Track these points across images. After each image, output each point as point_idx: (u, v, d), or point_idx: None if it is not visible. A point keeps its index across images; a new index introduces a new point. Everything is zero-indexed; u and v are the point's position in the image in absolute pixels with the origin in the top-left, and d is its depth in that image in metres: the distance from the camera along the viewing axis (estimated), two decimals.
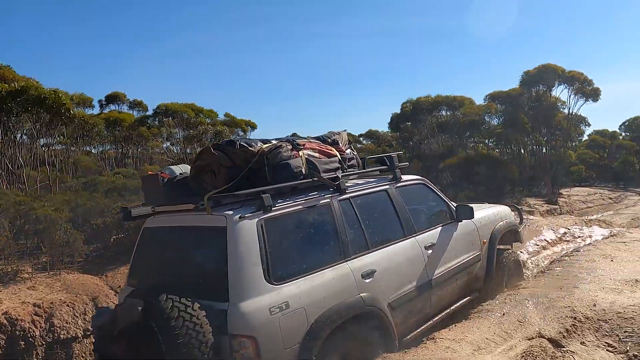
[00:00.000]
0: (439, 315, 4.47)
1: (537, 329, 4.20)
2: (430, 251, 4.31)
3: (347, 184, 3.97)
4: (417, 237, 4.24)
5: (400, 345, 3.87)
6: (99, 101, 30.03)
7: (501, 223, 5.46)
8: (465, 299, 4.88)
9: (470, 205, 4.86)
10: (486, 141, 23.56)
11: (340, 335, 3.27)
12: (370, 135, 38.25)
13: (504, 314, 4.53)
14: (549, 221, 11.97)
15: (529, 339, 4.04)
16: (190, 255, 3.43)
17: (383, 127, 38.50)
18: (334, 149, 3.95)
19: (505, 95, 20.08)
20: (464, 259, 4.76)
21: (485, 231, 5.16)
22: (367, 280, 3.60)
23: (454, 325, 4.34)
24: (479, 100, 22.10)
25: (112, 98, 30.54)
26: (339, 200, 3.71)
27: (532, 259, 8.42)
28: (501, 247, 5.50)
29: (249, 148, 3.38)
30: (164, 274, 3.50)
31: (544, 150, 20.94)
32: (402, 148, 26.00)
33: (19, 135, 12.77)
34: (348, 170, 4.05)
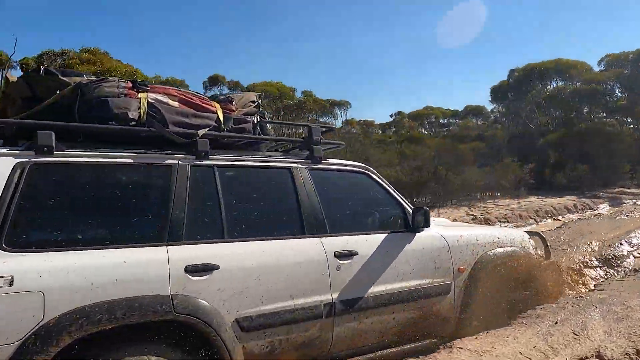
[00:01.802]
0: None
1: (595, 346, 3.24)
2: (346, 262, 3.02)
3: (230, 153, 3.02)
4: (324, 238, 3.03)
5: None
6: (203, 83, 32.51)
7: (499, 250, 3.74)
8: (411, 345, 3.32)
9: (426, 208, 3.47)
10: (604, 114, 20.46)
11: (117, 352, 2.26)
12: (473, 111, 35.78)
13: (556, 323, 3.60)
14: None
15: (580, 359, 3.14)
16: None
17: (483, 102, 35.90)
18: (215, 105, 3.02)
19: (631, 57, 17.04)
20: (415, 286, 3.28)
21: (466, 254, 3.57)
22: (197, 278, 2.51)
23: (485, 332, 3.55)
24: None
25: (214, 80, 32.73)
26: (193, 166, 2.76)
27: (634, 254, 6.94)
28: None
29: (59, 77, 2.66)
30: None
31: None
32: (510, 123, 23.78)
33: None
34: (229, 134, 3.07)
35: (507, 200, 11.60)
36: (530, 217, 9.36)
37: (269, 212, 3.01)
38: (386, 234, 3.30)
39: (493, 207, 10.42)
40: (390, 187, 3.54)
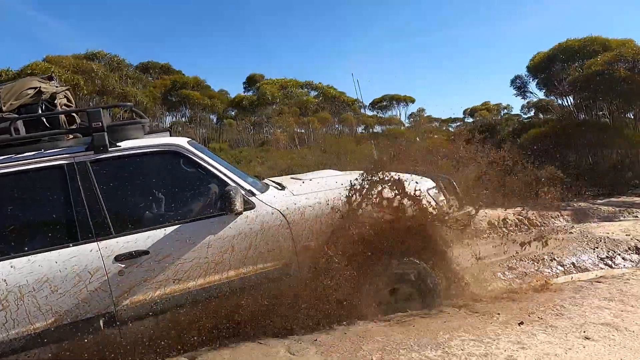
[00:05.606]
0: None
1: None
2: (132, 264, 2.72)
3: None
4: (104, 242, 2.72)
5: None
6: (243, 84, 30.79)
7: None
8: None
9: (233, 177, 3.05)
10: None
11: None
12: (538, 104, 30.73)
13: None
14: None
15: None
16: None
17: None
18: None
19: None
20: (239, 275, 2.93)
21: (315, 227, 3.10)
22: None
23: None
24: None
25: (252, 80, 30.33)
26: None
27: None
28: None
29: None
30: None
31: None
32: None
33: None
34: None
35: None
36: None
37: (27, 223, 2.72)
38: (197, 222, 2.91)
39: None
40: (214, 165, 3.05)
